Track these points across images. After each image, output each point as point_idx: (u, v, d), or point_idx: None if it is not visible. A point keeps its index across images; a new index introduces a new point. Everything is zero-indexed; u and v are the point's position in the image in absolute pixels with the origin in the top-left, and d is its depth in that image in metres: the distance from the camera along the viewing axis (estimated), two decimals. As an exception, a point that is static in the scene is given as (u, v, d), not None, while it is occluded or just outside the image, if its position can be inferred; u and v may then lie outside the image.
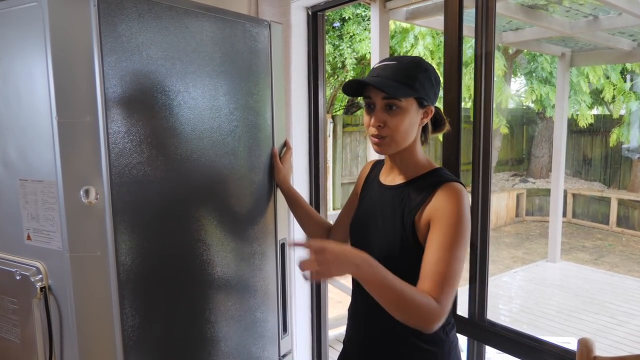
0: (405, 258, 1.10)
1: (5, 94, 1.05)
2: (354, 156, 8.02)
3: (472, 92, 1.64)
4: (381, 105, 1.09)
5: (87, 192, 1.00)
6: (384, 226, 1.15)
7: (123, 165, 1.03)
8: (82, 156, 1.00)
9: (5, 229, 1.12)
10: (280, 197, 1.46)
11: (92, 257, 1.02)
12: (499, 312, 4.89)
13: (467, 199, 1.08)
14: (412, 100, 1.08)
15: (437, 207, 1.06)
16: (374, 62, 3.38)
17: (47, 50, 0.96)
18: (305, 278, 0.96)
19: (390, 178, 1.20)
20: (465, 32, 1.62)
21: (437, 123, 1.20)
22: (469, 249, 1.09)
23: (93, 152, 0.99)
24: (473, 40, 1.62)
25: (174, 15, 1.11)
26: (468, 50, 5.00)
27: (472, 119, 1.66)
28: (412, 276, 1.11)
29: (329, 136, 7.10)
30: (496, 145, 9.64)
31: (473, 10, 1.62)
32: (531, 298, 5.28)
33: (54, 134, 0.98)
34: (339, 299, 4.49)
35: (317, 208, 2.30)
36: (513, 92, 10.27)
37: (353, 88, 1.13)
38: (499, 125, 8.48)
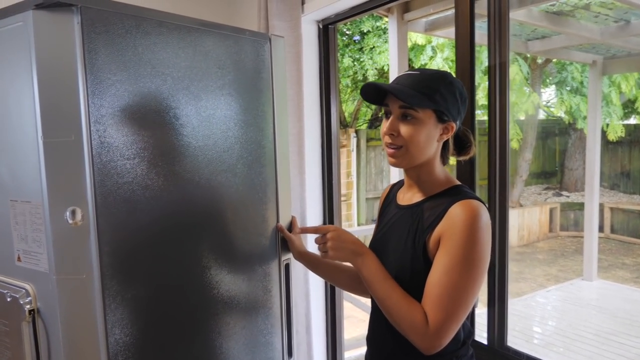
0: (416, 280, 1.03)
1: (-5, 114, 1.04)
2: (378, 171, 7.92)
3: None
4: (397, 114, 1.04)
5: (73, 213, 0.97)
6: (396, 248, 1.09)
7: (109, 185, 1.00)
8: (67, 176, 0.97)
9: (-3, 250, 1.10)
10: (283, 215, 1.41)
11: (78, 280, 0.99)
12: (532, 334, 4.66)
13: (484, 218, 0.99)
14: (430, 112, 1.02)
15: (447, 225, 0.99)
16: (393, 73, 3.32)
17: (33, 69, 0.94)
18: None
19: (407, 197, 1.14)
20: (482, 41, 1.55)
21: (461, 145, 1.12)
22: (484, 273, 1.00)
23: (78, 171, 0.97)
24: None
25: (164, 31, 1.08)
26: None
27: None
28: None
29: (352, 151, 7.05)
30: (526, 157, 9.36)
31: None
32: (566, 319, 5.01)
33: (40, 154, 0.96)
34: (362, 317, 4.38)
35: (331, 223, 2.24)
36: (543, 102, 10.00)
37: (371, 94, 1.08)
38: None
